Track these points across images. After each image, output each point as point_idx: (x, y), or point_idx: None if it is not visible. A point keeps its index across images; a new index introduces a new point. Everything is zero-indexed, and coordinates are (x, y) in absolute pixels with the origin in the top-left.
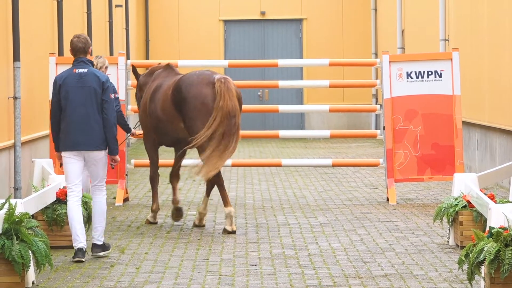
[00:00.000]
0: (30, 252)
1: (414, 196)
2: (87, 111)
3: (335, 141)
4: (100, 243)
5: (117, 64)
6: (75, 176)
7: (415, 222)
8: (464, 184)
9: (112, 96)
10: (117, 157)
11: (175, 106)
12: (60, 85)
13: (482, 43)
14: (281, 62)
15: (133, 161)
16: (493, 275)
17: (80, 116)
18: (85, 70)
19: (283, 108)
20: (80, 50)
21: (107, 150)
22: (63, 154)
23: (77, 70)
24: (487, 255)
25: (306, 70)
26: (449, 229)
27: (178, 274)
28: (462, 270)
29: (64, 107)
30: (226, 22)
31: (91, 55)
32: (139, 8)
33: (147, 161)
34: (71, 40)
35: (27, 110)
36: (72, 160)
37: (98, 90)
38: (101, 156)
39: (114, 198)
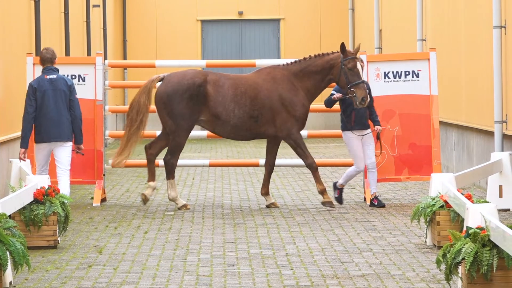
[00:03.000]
0: (7, 252)
1: (391, 196)
2: (59, 109)
3: (312, 141)
4: None
5: (95, 64)
6: (44, 161)
7: (392, 222)
8: (442, 184)
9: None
10: (82, 146)
11: None
12: (35, 89)
13: (459, 43)
14: (259, 62)
15: (110, 161)
16: (475, 277)
17: (53, 113)
18: (55, 76)
19: None
20: (48, 60)
21: (73, 141)
22: (37, 145)
23: (48, 76)
24: (466, 257)
25: None
26: (426, 229)
27: (155, 274)
28: (440, 270)
29: (40, 107)
30: (203, 22)
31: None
32: (116, 8)
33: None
34: (41, 52)
35: (4, 110)
36: (43, 147)
37: (67, 92)
38: (68, 145)
39: (92, 198)
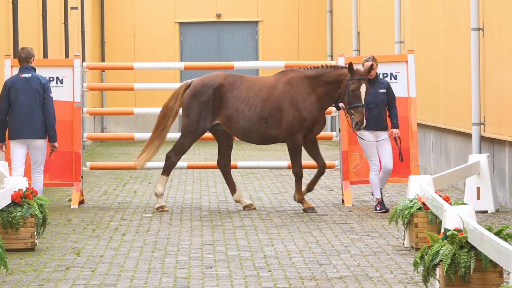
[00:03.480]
0: None
1: (369, 198)
2: (32, 107)
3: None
4: None
5: (73, 66)
6: (19, 159)
7: (370, 224)
8: (419, 186)
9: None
10: (56, 144)
11: None
12: (9, 87)
13: (437, 45)
14: (237, 64)
15: (88, 163)
16: (453, 279)
17: (26, 111)
18: (29, 75)
19: None
20: (23, 59)
21: (46, 139)
22: (12, 142)
23: (23, 75)
24: (443, 258)
25: (262, 73)
26: (404, 231)
27: (133, 276)
28: (417, 272)
29: (13, 105)
30: (182, 24)
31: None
32: (94, 11)
33: (102, 163)
34: (18, 52)
35: None
36: (18, 147)
37: (40, 90)
38: (41, 143)
39: (70, 200)
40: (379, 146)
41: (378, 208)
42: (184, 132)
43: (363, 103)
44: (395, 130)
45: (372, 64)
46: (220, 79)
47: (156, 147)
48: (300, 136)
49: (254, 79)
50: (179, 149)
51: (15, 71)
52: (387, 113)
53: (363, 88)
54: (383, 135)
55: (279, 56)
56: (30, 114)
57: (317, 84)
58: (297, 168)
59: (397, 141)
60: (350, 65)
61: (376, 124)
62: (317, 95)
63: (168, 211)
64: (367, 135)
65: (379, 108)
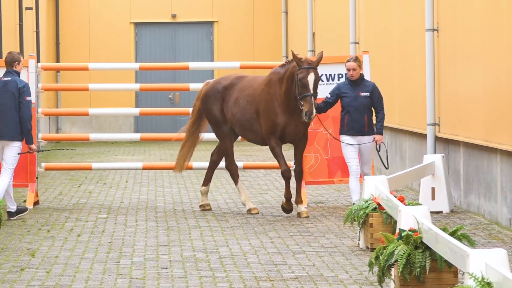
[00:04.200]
0: None
1: (324, 198)
2: (8, 110)
3: (246, 143)
4: (13, 210)
5: (28, 67)
6: None
7: (325, 224)
8: (375, 187)
9: (29, 98)
10: (33, 146)
11: None
12: None
13: (392, 46)
14: (192, 65)
15: (43, 164)
16: (408, 279)
17: (3, 113)
18: (9, 78)
19: None
20: (7, 63)
21: (21, 142)
22: None
23: (4, 78)
24: (398, 259)
25: (217, 73)
26: (359, 232)
27: (88, 277)
28: (372, 273)
29: None
30: (137, 24)
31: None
32: (49, 11)
33: (57, 164)
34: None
35: None
36: None
37: (16, 94)
38: (15, 145)
39: (25, 201)
40: (360, 151)
41: None
42: (218, 137)
43: (311, 92)
44: (377, 137)
45: (321, 53)
46: (226, 81)
47: (188, 148)
48: (273, 139)
49: (248, 79)
50: (225, 155)
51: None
52: (371, 117)
53: (311, 77)
54: (366, 140)
55: (234, 57)
56: (6, 117)
57: (283, 83)
58: (281, 169)
59: (378, 148)
60: (293, 55)
61: (356, 129)
62: (284, 95)
63: (258, 213)
64: (347, 139)
65: (359, 112)
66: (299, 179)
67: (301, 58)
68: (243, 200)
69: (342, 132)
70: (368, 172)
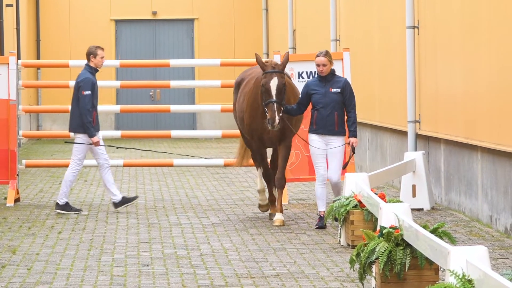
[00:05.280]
0: None
1: (305, 195)
2: (73, 104)
3: (227, 141)
4: (116, 200)
5: (8, 64)
6: None
7: (306, 221)
8: (355, 184)
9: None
10: (95, 139)
11: None
12: None
13: (372, 43)
14: (173, 62)
15: (24, 161)
16: (388, 276)
17: (71, 107)
18: (80, 73)
19: (174, 108)
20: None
21: (84, 135)
22: None
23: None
24: (379, 256)
25: (197, 70)
26: (340, 229)
27: (69, 274)
28: (353, 270)
29: None
30: (117, 22)
31: None
32: (30, 8)
33: (38, 161)
34: None
35: None
36: None
37: (76, 88)
38: (78, 137)
39: (5, 198)
40: (328, 154)
41: (317, 222)
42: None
43: (274, 98)
44: (352, 139)
45: (287, 54)
46: (244, 75)
47: (242, 144)
48: (254, 142)
49: (253, 77)
50: (252, 158)
51: None
52: (343, 116)
53: (273, 82)
54: (336, 142)
55: (215, 54)
56: (71, 110)
57: (252, 82)
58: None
59: (352, 152)
60: (256, 57)
61: (325, 128)
62: (260, 99)
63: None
64: (314, 139)
65: (328, 109)
66: (280, 187)
67: (266, 61)
68: (258, 189)
69: (310, 131)
70: (337, 180)
